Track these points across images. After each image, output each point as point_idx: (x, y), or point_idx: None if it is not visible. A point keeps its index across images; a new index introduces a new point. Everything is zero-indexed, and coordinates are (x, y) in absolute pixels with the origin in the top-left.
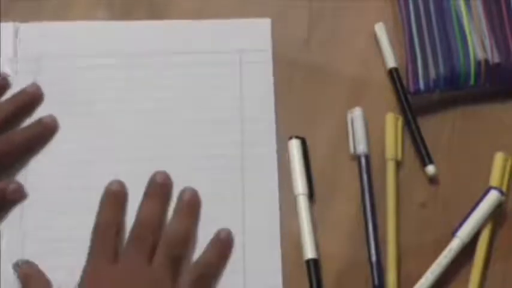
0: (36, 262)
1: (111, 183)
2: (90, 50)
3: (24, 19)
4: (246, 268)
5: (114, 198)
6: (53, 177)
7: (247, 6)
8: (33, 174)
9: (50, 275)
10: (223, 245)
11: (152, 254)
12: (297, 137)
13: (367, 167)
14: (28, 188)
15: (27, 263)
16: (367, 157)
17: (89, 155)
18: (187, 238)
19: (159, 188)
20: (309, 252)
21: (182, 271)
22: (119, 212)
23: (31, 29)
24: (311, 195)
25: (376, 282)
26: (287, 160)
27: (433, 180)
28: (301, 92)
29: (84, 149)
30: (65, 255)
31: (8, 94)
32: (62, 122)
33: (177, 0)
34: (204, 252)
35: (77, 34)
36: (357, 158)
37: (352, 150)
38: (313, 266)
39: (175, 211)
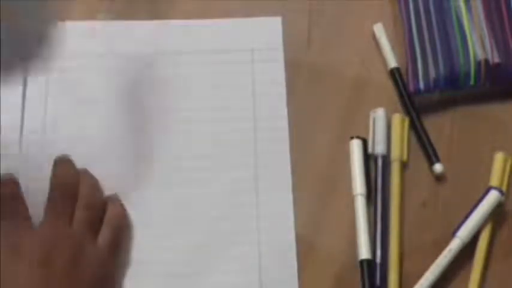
0: None
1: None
2: (103, 49)
3: None
4: (262, 267)
5: None
6: None
7: (247, 8)
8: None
9: None
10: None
11: (72, 216)
12: (358, 137)
13: (383, 168)
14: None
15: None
16: (384, 158)
17: (104, 154)
18: (101, 195)
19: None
20: (365, 253)
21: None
22: None
23: None
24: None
25: (378, 283)
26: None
27: (435, 179)
28: (301, 91)
29: (98, 146)
30: None
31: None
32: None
33: (178, 2)
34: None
35: (88, 33)
36: (373, 158)
37: (370, 150)
38: (368, 266)
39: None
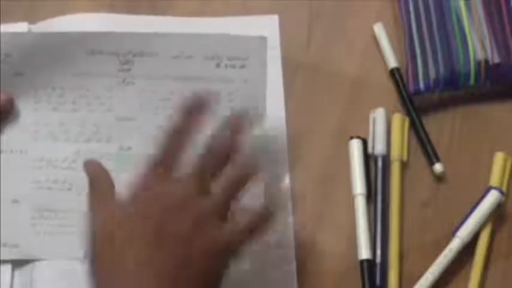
0: None
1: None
2: None
3: (24, 20)
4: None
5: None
6: None
7: (247, 6)
8: None
9: None
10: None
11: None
12: (358, 137)
13: (383, 168)
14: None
15: (94, 162)
16: (384, 158)
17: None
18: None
19: (237, 120)
20: (365, 253)
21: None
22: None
23: (42, 29)
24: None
25: (379, 283)
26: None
27: (435, 179)
28: (301, 91)
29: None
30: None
31: None
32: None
33: (178, 1)
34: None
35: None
36: (373, 158)
37: (370, 150)
38: (368, 266)
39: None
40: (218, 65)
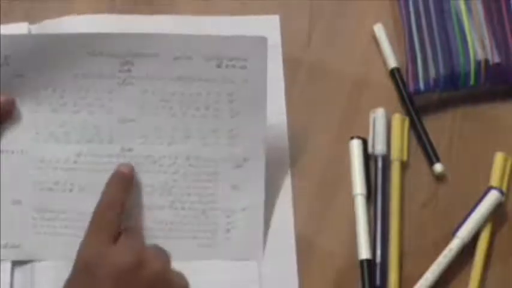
0: None
1: (120, 165)
2: None
3: (24, 20)
4: (262, 266)
5: (122, 179)
6: None
7: (248, 6)
8: None
9: None
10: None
11: None
12: (358, 137)
13: (383, 168)
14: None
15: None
16: (384, 158)
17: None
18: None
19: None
20: (365, 253)
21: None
22: (124, 193)
23: (42, 29)
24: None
25: (379, 282)
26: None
27: (435, 179)
28: (301, 91)
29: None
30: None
31: None
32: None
33: (179, 0)
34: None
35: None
36: (373, 158)
37: (370, 150)
38: (368, 266)
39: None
40: (219, 66)
